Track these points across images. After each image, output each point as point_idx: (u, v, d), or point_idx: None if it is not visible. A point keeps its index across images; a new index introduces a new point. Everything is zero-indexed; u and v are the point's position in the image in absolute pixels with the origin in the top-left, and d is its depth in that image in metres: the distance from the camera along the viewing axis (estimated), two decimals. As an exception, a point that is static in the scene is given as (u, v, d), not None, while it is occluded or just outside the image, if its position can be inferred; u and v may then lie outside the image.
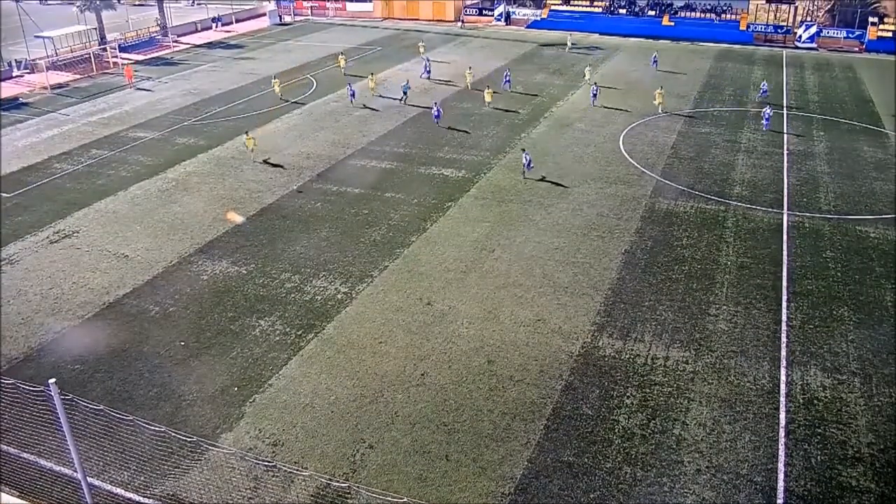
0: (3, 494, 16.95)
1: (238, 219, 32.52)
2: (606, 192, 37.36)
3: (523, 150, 40.18)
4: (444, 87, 58.05)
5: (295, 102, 54.37)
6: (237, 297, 28.25)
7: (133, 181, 40.05)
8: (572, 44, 74.06)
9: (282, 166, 41.25)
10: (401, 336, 25.61)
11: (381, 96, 55.13)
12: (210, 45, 78.20)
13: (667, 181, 38.75)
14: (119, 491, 18.82)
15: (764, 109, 47.75)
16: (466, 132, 47.13)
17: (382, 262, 30.67)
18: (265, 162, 41.89)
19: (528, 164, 38.86)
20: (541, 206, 35.87)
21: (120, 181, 40.08)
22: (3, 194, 38.33)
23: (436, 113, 48.05)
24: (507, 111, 51.11)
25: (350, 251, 31.71)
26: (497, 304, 27.46)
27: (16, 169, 42.14)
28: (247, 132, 43.29)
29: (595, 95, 52.70)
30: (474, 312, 26.90)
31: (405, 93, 53.42)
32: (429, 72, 61.09)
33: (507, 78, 57.00)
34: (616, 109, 51.21)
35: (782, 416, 21.44)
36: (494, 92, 53.24)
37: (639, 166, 40.91)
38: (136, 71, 65.18)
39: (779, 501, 18.47)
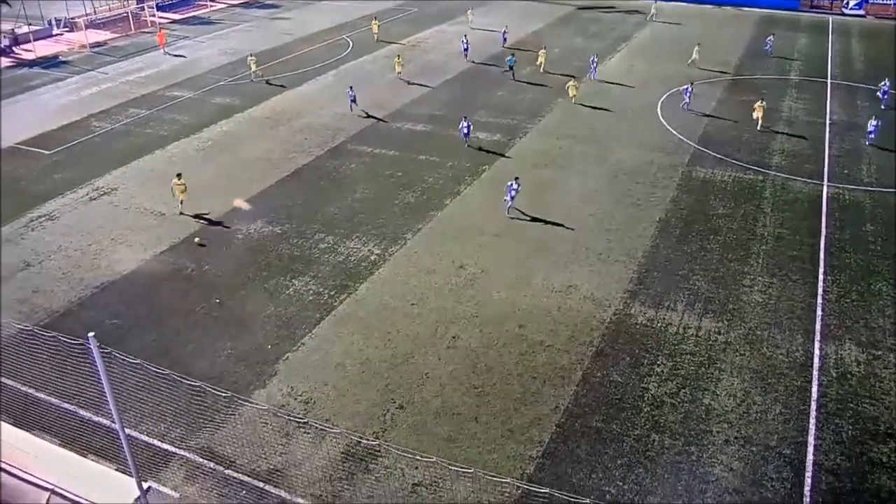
0: (4, 427, 16.97)
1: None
2: (643, 159, 36.90)
3: (516, 178, 31.32)
4: (477, 67, 57.27)
5: (274, 84, 54.01)
6: (272, 256, 28.57)
7: (170, 140, 40.43)
8: (654, 13, 69.71)
9: (222, 224, 31.06)
10: (432, 298, 25.75)
11: (408, 82, 49.89)
12: (246, 5, 78.04)
13: (704, 149, 38.15)
14: (155, 442, 19.36)
15: (870, 121, 39.12)
16: (501, 95, 46.75)
17: (416, 225, 30.74)
18: (197, 217, 31.68)
19: (512, 197, 30.97)
20: (576, 172, 35.58)
21: (157, 140, 40.50)
22: (44, 151, 38.96)
23: (465, 130, 38.62)
24: (545, 74, 50.42)
25: (384, 213, 31.81)
26: (529, 268, 27.44)
27: (55, 127, 42.71)
28: (178, 174, 32.12)
29: (689, 94, 43.83)
30: (506, 277, 26.92)
31: (511, 66, 50.55)
32: (505, 39, 58.15)
33: (594, 65, 50.25)
34: (654, 75, 50.30)
35: (814, 389, 21.27)
36: (579, 83, 46.09)
37: (676, 134, 40.29)
38: (172, 31, 65.36)
39: (807, 475, 18.42)
